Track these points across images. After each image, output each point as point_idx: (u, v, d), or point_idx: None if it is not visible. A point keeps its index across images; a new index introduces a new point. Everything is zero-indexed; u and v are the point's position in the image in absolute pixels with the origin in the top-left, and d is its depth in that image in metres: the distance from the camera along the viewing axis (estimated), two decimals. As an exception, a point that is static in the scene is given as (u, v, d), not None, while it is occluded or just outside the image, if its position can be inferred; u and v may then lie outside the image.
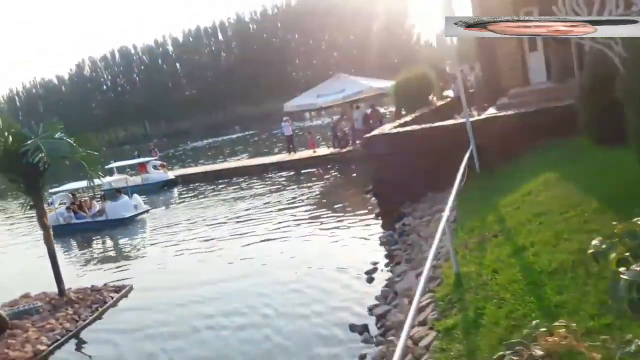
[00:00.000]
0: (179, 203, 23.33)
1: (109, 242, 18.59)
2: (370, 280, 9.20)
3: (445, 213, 6.63)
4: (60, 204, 22.94)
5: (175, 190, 27.12)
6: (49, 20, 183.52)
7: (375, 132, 14.44)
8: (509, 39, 17.06)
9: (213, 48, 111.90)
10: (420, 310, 6.72)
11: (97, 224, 20.23)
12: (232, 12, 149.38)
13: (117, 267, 14.06)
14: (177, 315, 9.29)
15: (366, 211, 14.64)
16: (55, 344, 8.76)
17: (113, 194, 21.59)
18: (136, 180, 27.16)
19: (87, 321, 9.59)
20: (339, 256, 10.95)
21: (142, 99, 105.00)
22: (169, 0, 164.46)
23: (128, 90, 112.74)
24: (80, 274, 13.94)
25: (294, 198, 19.10)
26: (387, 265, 9.71)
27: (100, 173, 9.76)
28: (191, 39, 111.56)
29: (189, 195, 24.63)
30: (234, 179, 26.06)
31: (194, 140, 65.64)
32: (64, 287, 10.33)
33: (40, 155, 8.57)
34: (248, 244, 13.69)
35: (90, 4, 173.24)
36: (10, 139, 9.11)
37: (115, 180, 25.42)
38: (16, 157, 9.05)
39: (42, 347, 8.53)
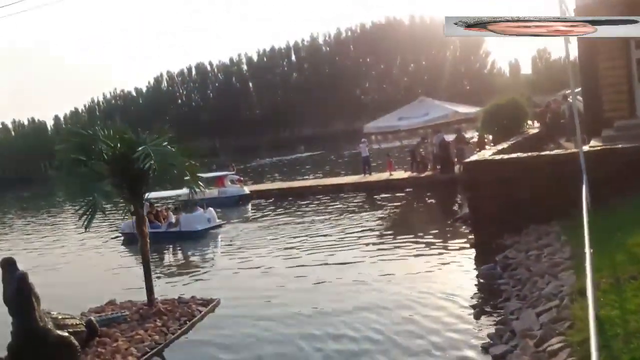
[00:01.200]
0: (253, 219, 23.18)
1: (182, 254, 18.66)
2: (477, 315, 8.58)
3: (587, 251, 6.04)
4: (138, 211, 23.73)
5: (250, 206, 27.33)
6: (132, 33, 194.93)
7: (474, 157, 13.87)
8: (614, 69, 16.22)
9: (285, 68, 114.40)
10: (550, 354, 6.12)
11: (170, 234, 20.41)
12: (306, 34, 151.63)
13: (195, 280, 13.99)
14: (279, 333, 8.95)
15: (457, 240, 13.91)
16: (145, 357, 8.48)
17: (188, 206, 21.86)
18: (213, 193, 27.57)
19: (175, 335, 9.25)
20: (437, 284, 10.35)
21: (214, 114, 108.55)
22: (247, 20, 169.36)
23: (201, 106, 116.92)
24: (156, 284, 14.08)
25: (372, 220, 18.58)
26: (492, 299, 9.06)
27: (200, 184, 9.77)
28: (265, 59, 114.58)
29: (263, 211, 24.55)
30: (309, 197, 25.94)
31: (261, 158, 66.74)
32: (154, 297, 10.30)
33: (150, 162, 8.65)
34: (330, 264, 13.32)
35: (168, 18, 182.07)
36: (120, 144, 9.29)
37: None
38: (125, 163, 9.21)
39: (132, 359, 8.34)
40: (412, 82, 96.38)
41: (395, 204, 22.07)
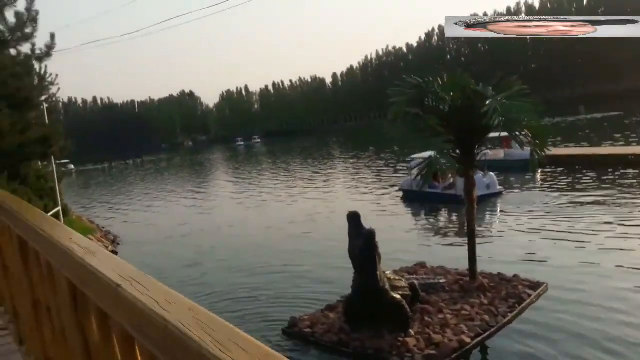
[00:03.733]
0: (539, 189, 20.47)
1: (458, 220, 17.32)
2: None
3: None
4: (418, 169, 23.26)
5: (539, 173, 24.41)
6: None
7: None
8: None
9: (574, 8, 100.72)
10: None
11: (445, 196, 19.37)
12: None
13: (482, 252, 12.58)
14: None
15: None
16: (477, 339, 7.40)
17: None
18: (498, 154, 25.45)
19: (507, 318, 8.01)
20: None
21: (485, 70, 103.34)
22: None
23: (470, 60, 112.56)
24: (434, 250, 13.23)
25: None
26: None
27: (548, 147, 8.14)
28: (549, 5, 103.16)
29: (555, 181, 21.54)
30: (614, 168, 21.73)
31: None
32: (477, 269, 9.27)
33: (499, 118, 7.45)
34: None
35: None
36: (460, 97, 8.27)
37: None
38: (463, 117, 8.23)
39: (467, 340, 7.27)
40: None
41: None
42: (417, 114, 8.44)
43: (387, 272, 7.87)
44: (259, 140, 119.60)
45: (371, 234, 7.00)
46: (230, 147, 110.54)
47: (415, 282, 8.72)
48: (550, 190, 19.88)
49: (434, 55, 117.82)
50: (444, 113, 8.57)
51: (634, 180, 19.41)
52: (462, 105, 8.31)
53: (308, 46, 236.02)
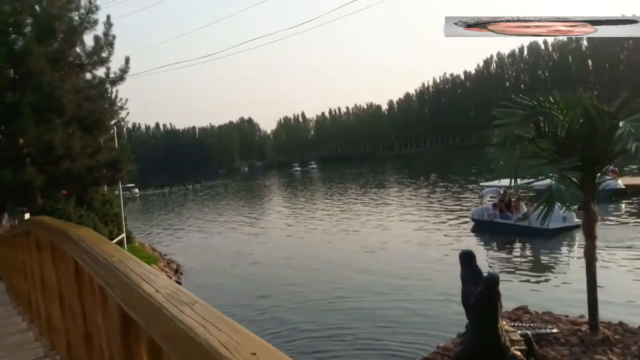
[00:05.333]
0: (623, 221, 18.60)
1: (535, 254, 15.97)
2: None
3: None
4: (490, 198, 21.76)
5: (623, 204, 22.41)
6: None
7: None
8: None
9: (630, 42, 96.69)
10: None
11: (518, 228, 18.03)
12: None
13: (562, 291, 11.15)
14: None
15: None
16: None
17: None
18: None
19: None
20: None
21: (545, 94, 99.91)
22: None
23: (530, 87, 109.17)
24: (524, 290, 11.74)
25: None
26: None
27: None
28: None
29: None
30: None
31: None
32: (598, 320, 7.91)
33: (632, 142, 6.29)
34: None
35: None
36: (582, 118, 7.13)
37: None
38: (586, 141, 7.08)
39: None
40: None
41: None
42: (530, 138, 7.35)
43: (503, 322, 6.71)
44: (315, 166, 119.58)
45: (494, 280, 5.90)
46: (287, 172, 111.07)
47: (528, 333, 7.50)
48: (630, 223, 18.06)
49: (493, 82, 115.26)
50: (560, 136, 7.44)
51: None
52: (582, 128, 7.17)
53: (364, 75, 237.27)
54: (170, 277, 15.92)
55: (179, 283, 15.67)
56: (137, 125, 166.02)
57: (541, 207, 6.83)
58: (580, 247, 15.01)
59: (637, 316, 8.71)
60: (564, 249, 16.06)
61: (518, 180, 7.51)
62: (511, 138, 7.53)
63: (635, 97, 7.44)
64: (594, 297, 7.86)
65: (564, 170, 7.08)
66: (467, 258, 6.32)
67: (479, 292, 5.88)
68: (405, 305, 11.07)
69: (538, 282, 12.54)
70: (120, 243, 15.74)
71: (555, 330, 8.20)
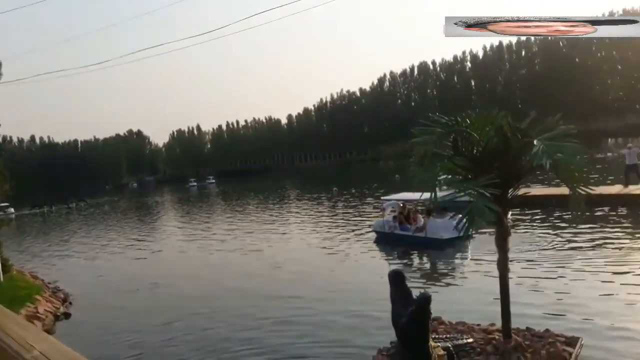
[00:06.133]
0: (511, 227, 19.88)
1: (429, 263, 16.66)
2: None
3: None
4: (391, 211, 22.29)
5: (509, 213, 23.73)
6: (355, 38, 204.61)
7: None
8: None
9: (507, 65, 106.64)
10: None
11: (415, 239, 18.84)
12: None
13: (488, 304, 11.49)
14: None
15: None
16: None
17: (439, 210, 18.97)
18: (465, 197, 24.67)
19: None
20: None
21: (432, 113, 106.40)
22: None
23: (419, 105, 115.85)
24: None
25: None
26: None
27: (587, 187, 7.10)
28: (491, 54, 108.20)
29: (527, 220, 20.97)
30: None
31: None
32: (511, 328, 8.11)
33: (545, 159, 6.47)
34: None
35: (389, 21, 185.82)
36: (494, 136, 7.26)
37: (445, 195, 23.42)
38: (499, 158, 7.21)
39: None
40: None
41: None
42: (447, 155, 7.34)
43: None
44: (214, 181, 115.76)
45: (427, 299, 5.61)
46: (182, 187, 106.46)
47: (449, 345, 7.45)
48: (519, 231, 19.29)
49: (385, 99, 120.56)
50: (475, 154, 7.53)
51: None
52: (497, 145, 7.30)
53: (263, 90, 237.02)
54: (58, 308, 14.18)
55: (69, 314, 14.05)
56: (7, 138, 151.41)
57: (463, 220, 6.80)
58: (474, 256, 15.92)
59: (541, 319, 9.07)
60: (458, 259, 16.63)
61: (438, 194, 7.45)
62: (429, 156, 7.48)
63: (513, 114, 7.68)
64: (507, 306, 8.03)
65: (483, 187, 7.11)
66: (396, 278, 6.05)
67: (411, 311, 5.61)
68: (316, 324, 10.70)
69: (444, 291, 12.72)
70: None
71: (470, 340, 8.24)
